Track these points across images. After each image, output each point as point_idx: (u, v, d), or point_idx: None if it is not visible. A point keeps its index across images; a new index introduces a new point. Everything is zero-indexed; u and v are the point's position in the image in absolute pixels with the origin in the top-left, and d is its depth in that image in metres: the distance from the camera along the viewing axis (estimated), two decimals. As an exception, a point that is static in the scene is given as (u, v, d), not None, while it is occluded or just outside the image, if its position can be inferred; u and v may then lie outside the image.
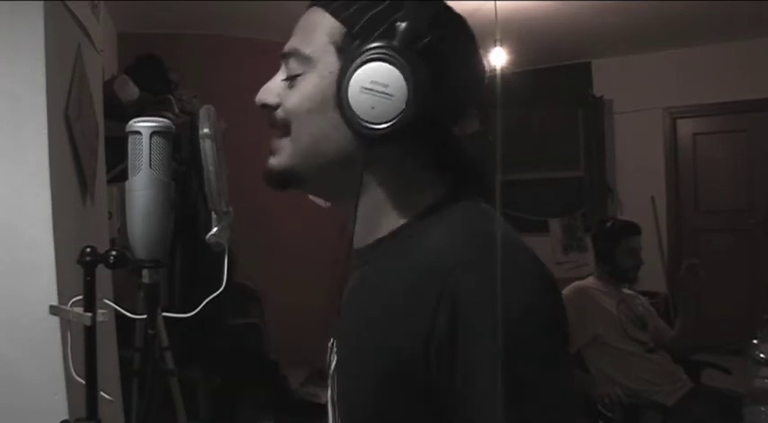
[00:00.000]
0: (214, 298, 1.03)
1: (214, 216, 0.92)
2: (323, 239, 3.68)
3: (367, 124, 0.75)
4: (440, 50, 0.77)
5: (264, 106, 0.85)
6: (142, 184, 1.00)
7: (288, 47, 0.84)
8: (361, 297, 0.83)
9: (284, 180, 0.85)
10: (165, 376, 2.70)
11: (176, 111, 3.51)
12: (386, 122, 0.74)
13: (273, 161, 0.85)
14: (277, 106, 0.84)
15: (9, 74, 1.73)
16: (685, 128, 5.88)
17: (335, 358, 0.85)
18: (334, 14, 0.80)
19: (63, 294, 1.71)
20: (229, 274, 1.02)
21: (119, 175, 2.59)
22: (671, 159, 5.90)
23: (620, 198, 5.98)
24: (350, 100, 0.75)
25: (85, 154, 2.11)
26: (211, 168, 0.87)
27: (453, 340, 0.69)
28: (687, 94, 5.66)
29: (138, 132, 1.00)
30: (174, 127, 1.03)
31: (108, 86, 3.02)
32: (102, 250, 1.05)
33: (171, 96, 3.63)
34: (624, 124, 5.97)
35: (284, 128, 0.83)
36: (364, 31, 0.78)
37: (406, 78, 0.74)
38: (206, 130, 0.87)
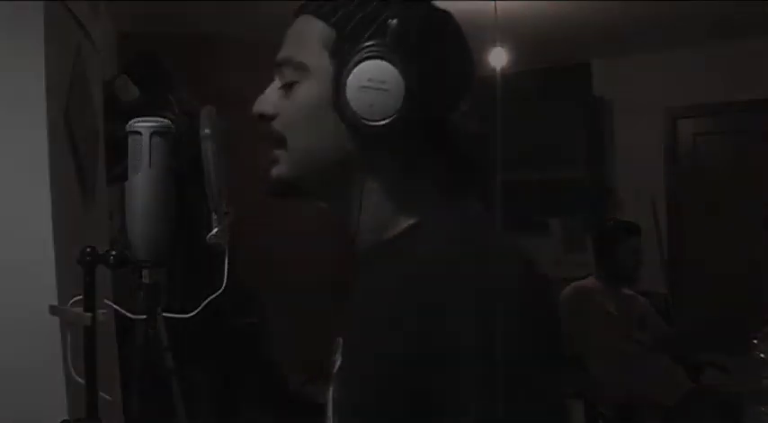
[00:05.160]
0: (214, 298, 1.03)
1: (214, 216, 0.92)
2: (323, 239, 3.67)
3: (368, 122, 0.77)
4: (430, 45, 0.79)
5: (262, 117, 0.86)
6: (142, 184, 1.00)
7: (281, 56, 0.85)
8: (371, 297, 0.82)
9: (286, 189, 0.87)
10: (165, 376, 2.69)
11: (176, 111, 3.50)
12: (386, 118, 0.76)
13: (275, 171, 0.86)
14: (274, 116, 0.85)
15: (9, 74, 1.74)
16: (685, 128, 5.88)
17: (340, 358, 0.84)
18: (325, 19, 0.82)
19: (63, 294, 1.71)
20: (229, 274, 1.02)
21: (119, 174, 2.59)
22: (671, 159, 5.89)
23: (620, 198, 5.98)
24: (349, 99, 0.77)
25: (85, 154, 2.11)
26: (212, 169, 0.87)
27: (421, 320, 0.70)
28: (687, 94, 5.65)
29: (138, 132, 1.00)
30: (174, 127, 1.03)
31: (108, 86, 3.02)
32: (102, 250, 1.05)
33: (171, 96, 3.62)
34: (624, 124, 5.97)
35: (281, 138, 0.85)
36: (354, 33, 0.79)
37: (401, 73, 0.76)
38: (207, 131, 0.87)
